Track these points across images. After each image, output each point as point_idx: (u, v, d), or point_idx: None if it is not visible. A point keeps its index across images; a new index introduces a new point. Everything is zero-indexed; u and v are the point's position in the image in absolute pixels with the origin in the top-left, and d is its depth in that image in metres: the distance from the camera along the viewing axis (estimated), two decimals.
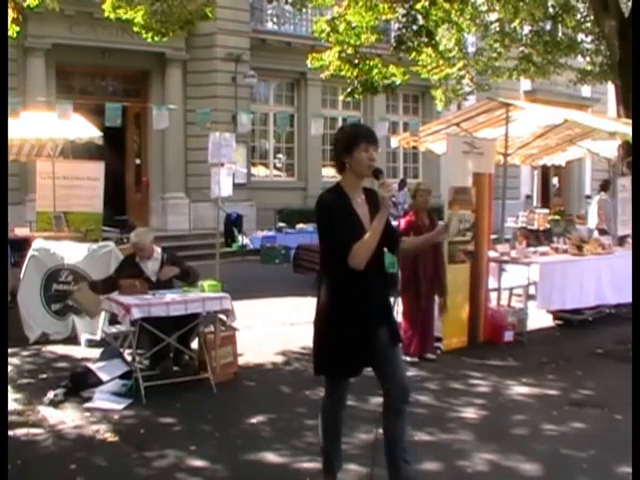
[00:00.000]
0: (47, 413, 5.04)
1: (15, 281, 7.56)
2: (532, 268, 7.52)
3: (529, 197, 21.43)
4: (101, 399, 5.29)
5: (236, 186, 10.00)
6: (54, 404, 5.19)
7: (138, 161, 17.07)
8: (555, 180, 24.34)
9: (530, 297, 7.67)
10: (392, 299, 8.00)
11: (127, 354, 5.86)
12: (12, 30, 9.32)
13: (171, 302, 5.58)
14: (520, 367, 6.47)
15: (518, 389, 5.77)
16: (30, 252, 7.37)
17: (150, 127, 13.55)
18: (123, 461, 4.27)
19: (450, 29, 13.56)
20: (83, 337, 7.00)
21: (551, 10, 13.92)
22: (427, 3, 12.16)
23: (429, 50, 12.95)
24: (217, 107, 14.75)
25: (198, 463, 4.24)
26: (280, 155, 19.66)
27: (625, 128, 7.88)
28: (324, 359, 3.47)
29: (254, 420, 4.97)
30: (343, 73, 12.89)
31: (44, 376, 5.95)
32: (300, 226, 15.85)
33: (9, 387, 5.36)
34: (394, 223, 9.82)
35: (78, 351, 6.77)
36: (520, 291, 8.01)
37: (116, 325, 5.97)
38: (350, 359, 3.40)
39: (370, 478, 3.73)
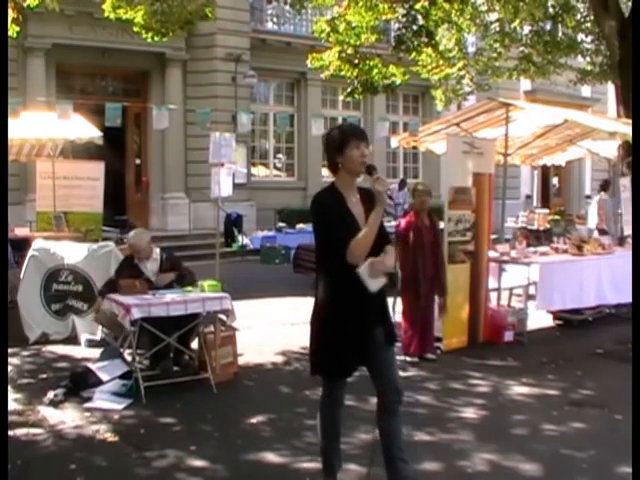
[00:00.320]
0: (47, 413, 5.04)
1: (15, 281, 7.55)
2: (532, 268, 7.52)
3: (529, 197, 21.42)
4: (101, 399, 5.29)
5: (236, 186, 10.01)
6: (54, 404, 5.19)
7: (138, 161, 17.07)
8: (555, 180, 24.34)
9: (530, 297, 7.67)
10: (392, 299, 8.04)
11: (127, 354, 5.86)
12: (12, 30, 9.32)
13: (171, 302, 5.58)
14: (520, 367, 6.47)
15: (518, 389, 5.77)
16: (30, 252, 7.37)
17: (150, 127, 13.55)
18: (123, 461, 4.27)
19: (450, 29, 13.55)
20: (83, 337, 7.00)
21: (551, 10, 13.91)
22: (427, 3, 12.15)
23: (429, 50, 12.94)
24: (217, 107, 14.74)
25: (198, 463, 4.24)
26: (280, 155, 19.66)
27: (625, 128, 7.88)
28: (320, 359, 3.48)
29: (254, 420, 4.97)
30: (343, 73, 12.88)
31: (44, 376, 5.95)
32: (300, 226, 15.84)
33: (9, 387, 5.36)
34: (394, 223, 9.84)
35: (78, 351, 6.77)
36: (520, 291, 8.01)
37: None
38: (345, 359, 3.40)
39: (368, 478, 3.73)
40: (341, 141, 3.41)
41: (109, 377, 5.54)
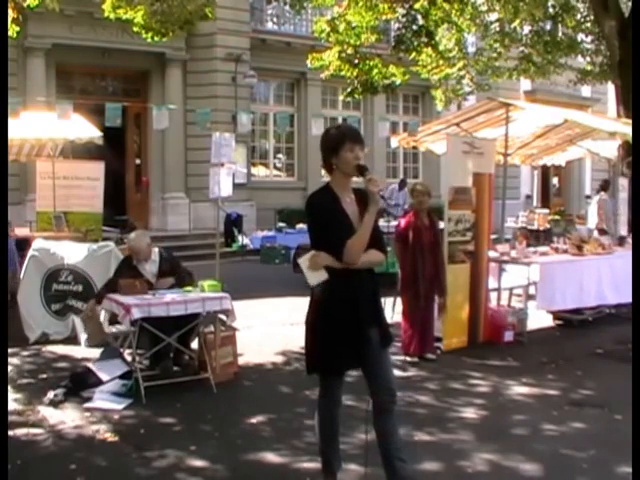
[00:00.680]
0: (47, 413, 5.04)
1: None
2: (532, 268, 7.53)
3: (529, 197, 21.42)
4: (101, 399, 5.29)
5: (236, 186, 9.99)
6: (54, 404, 5.19)
7: (138, 161, 17.07)
8: (555, 180, 24.35)
9: (530, 297, 7.67)
10: (392, 299, 8.01)
11: (127, 354, 5.86)
12: (12, 30, 9.32)
13: (171, 302, 5.58)
14: (520, 367, 6.46)
15: (518, 389, 5.77)
16: (30, 252, 7.37)
17: (150, 127, 13.56)
18: (123, 461, 4.27)
19: (450, 29, 13.57)
20: (83, 337, 7.00)
21: (551, 10, 13.93)
22: (427, 3, 12.17)
23: (429, 50, 12.95)
24: (217, 107, 14.74)
25: (198, 463, 4.24)
26: (280, 155, 19.66)
27: (625, 128, 7.88)
28: (315, 356, 3.49)
29: (254, 420, 4.97)
30: (343, 73, 12.89)
31: (44, 376, 5.95)
32: (300, 226, 15.82)
33: (9, 387, 5.36)
34: (394, 223, 9.82)
35: (78, 351, 6.77)
36: (520, 291, 8.01)
37: (116, 325, 5.96)
38: (340, 355, 3.41)
39: (365, 478, 3.73)
40: (336, 143, 3.45)
41: (109, 377, 5.54)
